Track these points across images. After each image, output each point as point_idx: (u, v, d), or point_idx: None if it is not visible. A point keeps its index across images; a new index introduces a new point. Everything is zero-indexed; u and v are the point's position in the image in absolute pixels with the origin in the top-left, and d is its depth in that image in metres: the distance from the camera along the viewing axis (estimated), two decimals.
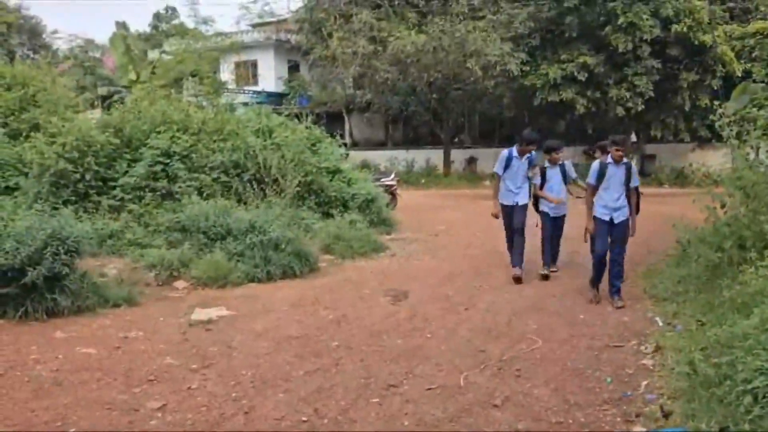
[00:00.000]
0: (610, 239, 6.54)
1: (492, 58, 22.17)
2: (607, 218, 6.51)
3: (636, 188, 6.73)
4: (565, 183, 8.04)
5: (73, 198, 9.15)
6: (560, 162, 7.99)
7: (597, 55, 23.03)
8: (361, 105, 28.31)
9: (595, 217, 6.62)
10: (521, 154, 7.74)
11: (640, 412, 3.88)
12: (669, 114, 24.33)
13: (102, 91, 20.46)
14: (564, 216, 8.12)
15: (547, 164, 7.96)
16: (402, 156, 29.02)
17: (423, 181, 26.31)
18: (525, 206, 7.79)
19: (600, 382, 4.42)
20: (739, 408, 2.80)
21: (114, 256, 8.12)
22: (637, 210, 6.89)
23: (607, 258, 6.52)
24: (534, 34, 23.94)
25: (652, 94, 22.70)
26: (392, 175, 16.14)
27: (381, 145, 31.48)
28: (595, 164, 6.69)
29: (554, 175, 7.96)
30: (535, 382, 4.44)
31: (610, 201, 6.49)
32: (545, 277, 7.71)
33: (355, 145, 30.15)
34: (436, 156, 28.14)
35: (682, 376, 4.04)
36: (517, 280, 7.51)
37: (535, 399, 4.14)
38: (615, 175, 6.48)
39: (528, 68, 23.57)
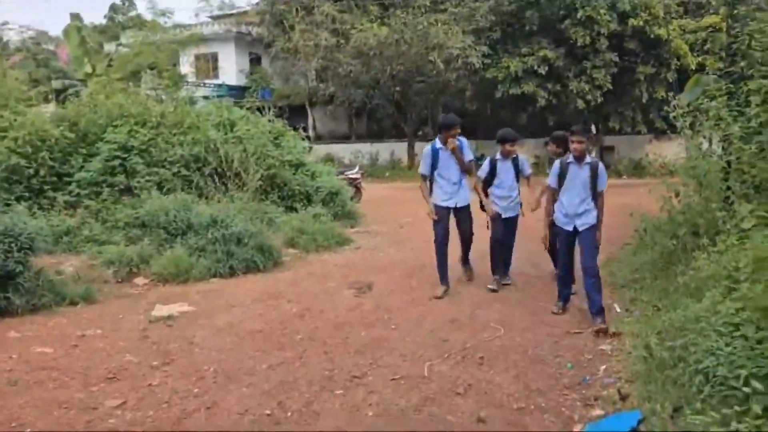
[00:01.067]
0: (579, 249, 5.70)
1: (454, 50, 22.32)
2: (569, 227, 5.67)
3: (601, 193, 5.74)
4: (518, 179, 6.94)
5: (27, 194, 8.89)
6: (514, 155, 6.89)
7: (557, 49, 23.40)
8: (324, 98, 28.16)
9: (556, 227, 5.88)
10: (445, 143, 6.57)
11: (599, 395, 3.97)
12: (627, 106, 24.90)
13: (56, 84, 19.85)
14: (517, 217, 6.95)
15: (498, 156, 6.84)
16: (366, 149, 29.00)
17: (387, 174, 26.36)
18: (466, 208, 6.73)
19: (560, 368, 4.50)
20: (692, 388, 2.89)
21: (71, 253, 7.91)
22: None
23: (582, 269, 5.62)
24: (495, 28, 24.17)
25: (610, 86, 23.20)
26: (356, 169, 16.13)
27: (345, 138, 31.40)
28: (556, 163, 5.89)
29: (505, 169, 6.83)
30: (497, 369, 4.50)
31: (570, 207, 5.64)
32: (494, 292, 6.66)
33: (318, 138, 29.98)
34: (400, 149, 28.20)
35: (638, 360, 4.15)
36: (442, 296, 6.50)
37: (497, 386, 4.20)
38: (577, 176, 5.62)
39: (490, 61, 23.80)
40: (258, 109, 12.94)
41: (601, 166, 5.69)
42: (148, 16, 29.10)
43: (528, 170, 7.02)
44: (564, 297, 5.96)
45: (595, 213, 5.65)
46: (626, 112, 24.97)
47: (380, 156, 28.71)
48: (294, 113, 27.93)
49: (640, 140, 26.30)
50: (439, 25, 22.49)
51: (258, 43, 30.78)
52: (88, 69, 18.91)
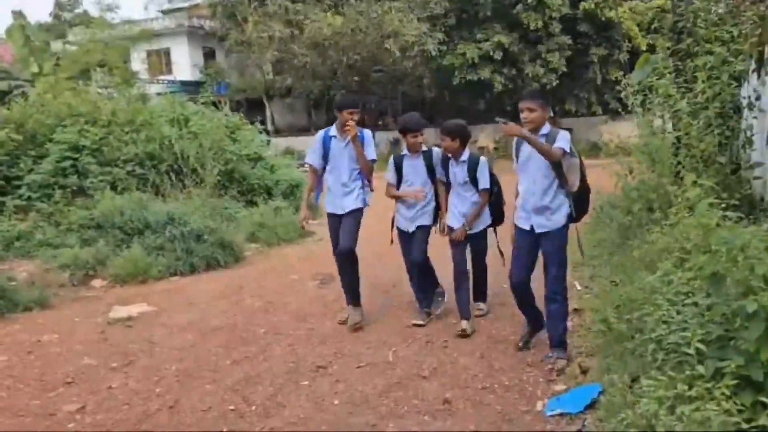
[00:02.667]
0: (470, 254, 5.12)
1: (410, 38, 22.33)
2: (456, 225, 5.00)
3: (487, 191, 4.92)
4: (432, 181, 5.17)
5: None
6: (424, 149, 5.16)
7: (511, 34, 23.61)
8: (281, 91, 27.90)
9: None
10: (343, 129, 5.08)
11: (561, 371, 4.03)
12: (582, 88, 25.30)
13: (1, 85, 19.18)
14: (428, 229, 5.27)
15: (405, 152, 5.21)
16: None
17: None
18: (351, 214, 5.17)
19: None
20: (648, 358, 2.95)
21: (23, 258, 7.66)
22: (500, 218, 5.16)
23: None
24: (450, 14, 24.26)
25: (565, 69, 23.54)
26: None
27: (304, 130, 31.14)
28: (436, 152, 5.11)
29: (414, 168, 5.15)
30: (461, 352, 4.53)
31: (460, 206, 4.98)
32: (418, 325, 5.16)
33: (277, 131, 29.69)
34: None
35: (597, 334, 4.22)
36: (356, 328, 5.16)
37: (462, 368, 4.23)
38: (455, 173, 4.94)
39: (446, 48, 23.89)
40: (213, 103, 12.73)
41: (483, 161, 4.91)
42: (95, 13, 28.35)
43: (441, 173, 5.12)
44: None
45: (485, 218, 5.04)
46: (581, 94, 25.38)
47: None
48: (251, 107, 27.60)
49: (595, 121, 26.76)
50: (394, 12, 22.45)
51: (211, 37, 30.27)
52: (35, 68, 18.31)
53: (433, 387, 3.95)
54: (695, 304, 2.94)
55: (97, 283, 7.10)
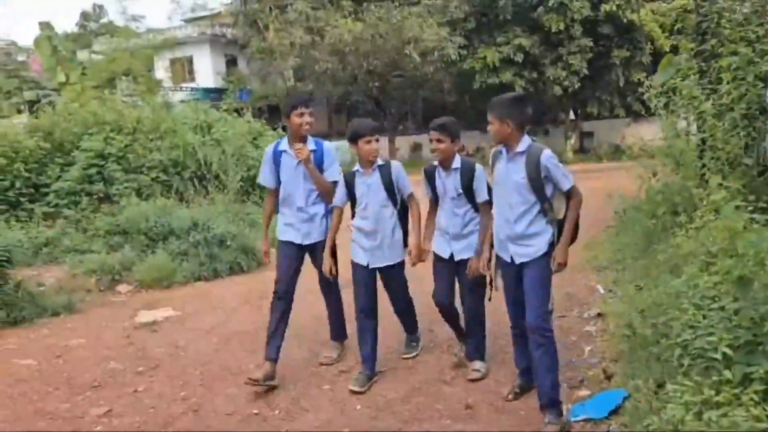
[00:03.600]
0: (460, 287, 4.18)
1: (430, 43, 22.35)
2: (444, 254, 4.12)
3: (488, 203, 3.89)
4: (394, 201, 4.13)
5: (4, 207, 8.80)
6: (379, 162, 4.16)
7: (532, 37, 23.50)
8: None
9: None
10: (296, 139, 4.26)
11: (585, 376, 4.00)
12: (604, 91, 25.07)
13: (29, 95, 19.58)
14: (398, 268, 4.24)
15: (357, 168, 4.19)
16: (346, 146, 28.77)
17: None
18: (318, 247, 4.32)
19: None
20: (673, 363, 2.91)
21: (52, 264, 7.83)
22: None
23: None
24: (469, 18, 24.22)
25: (586, 72, 23.35)
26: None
27: (325, 135, 31.23)
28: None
29: (369, 188, 4.11)
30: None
31: (449, 225, 4.08)
32: (356, 393, 4.03)
33: None
34: (380, 144, 28.16)
35: (622, 339, 4.18)
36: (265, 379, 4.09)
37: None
38: (443, 184, 4.06)
39: (466, 52, 23.85)
40: (236, 110, 12.89)
41: (478, 169, 4.02)
42: (120, 22, 28.86)
43: (407, 186, 4.16)
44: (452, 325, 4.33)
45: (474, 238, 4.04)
46: (603, 96, 25.15)
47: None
48: (273, 113, 27.77)
49: (618, 124, 26.49)
50: (414, 18, 22.49)
51: (233, 45, 30.59)
52: (62, 78, 18.67)
53: (456, 392, 3.94)
54: (722, 308, 2.90)
55: (122, 288, 7.21)
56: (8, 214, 8.65)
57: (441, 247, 4.15)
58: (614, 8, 22.50)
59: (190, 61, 31.45)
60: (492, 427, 3.45)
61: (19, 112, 16.58)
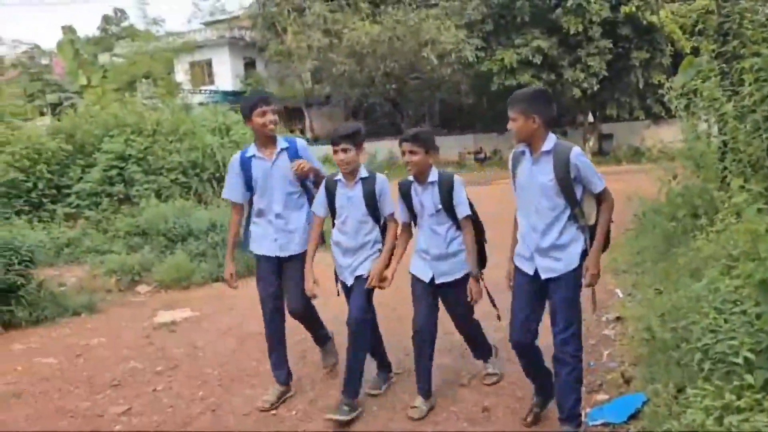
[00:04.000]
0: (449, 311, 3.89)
1: (447, 45, 22.33)
2: (424, 277, 3.73)
3: (470, 218, 3.64)
4: (375, 218, 3.77)
5: (27, 208, 8.96)
6: (363, 174, 3.77)
7: (550, 38, 23.38)
8: (320, 99, 28.21)
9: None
10: (262, 142, 3.88)
11: (603, 380, 3.97)
12: (623, 93, 24.85)
13: (52, 98, 19.88)
14: (367, 287, 3.72)
15: (339, 177, 3.78)
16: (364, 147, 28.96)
17: (386, 172, 26.32)
18: (296, 260, 3.91)
19: None
20: (694, 367, 2.88)
21: (73, 264, 7.95)
22: (482, 258, 3.81)
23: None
24: (487, 20, 24.16)
25: (605, 73, 23.17)
26: None
27: None
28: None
29: (349, 200, 3.75)
30: (499, 359, 4.49)
31: (429, 245, 3.70)
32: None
33: (316, 139, 29.96)
34: (397, 147, 28.08)
35: (641, 342, 4.14)
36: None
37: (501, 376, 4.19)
38: (420, 201, 3.68)
39: (483, 54, 23.79)
40: None
41: (456, 181, 3.63)
42: (140, 26, 29.20)
43: (389, 202, 3.78)
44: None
45: (462, 258, 3.68)
46: (623, 98, 24.94)
47: (378, 154, 28.72)
48: (291, 115, 28.00)
49: (638, 126, 26.25)
50: (431, 20, 22.49)
51: (252, 48, 30.81)
52: (84, 81, 18.96)
53: (472, 395, 3.93)
54: (744, 312, 2.86)
55: (142, 288, 7.29)
56: (31, 215, 8.80)
57: (420, 269, 3.75)
58: (634, 10, 22.30)
59: (209, 64, 31.74)
60: (508, 430, 3.43)
61: (42, 114, 16.85)
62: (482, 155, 27.56)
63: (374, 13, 24.27)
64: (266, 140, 3.87)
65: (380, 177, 3.81)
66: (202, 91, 28.54)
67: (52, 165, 9.37)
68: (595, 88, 23.48)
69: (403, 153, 3.63)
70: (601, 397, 3.73)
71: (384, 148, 28.80)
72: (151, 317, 6.14)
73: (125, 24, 40.12)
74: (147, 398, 4.19)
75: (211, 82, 31.04)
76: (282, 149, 3.89)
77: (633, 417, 3.31)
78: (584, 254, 3.17)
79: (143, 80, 21.01)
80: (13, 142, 9.28)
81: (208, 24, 33.84)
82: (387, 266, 3.73)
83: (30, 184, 9.05)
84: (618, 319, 5.09)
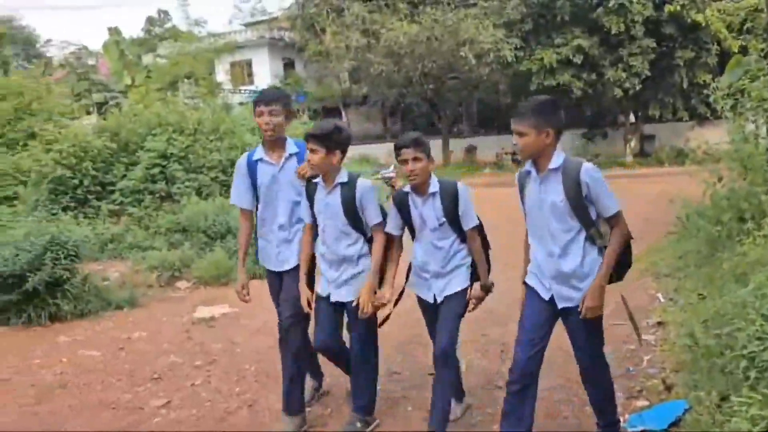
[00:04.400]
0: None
1: (485, 45, 22.15)
2: (427, 297, 3.39)
3: (476, 229, 3.32)
4: (359, 229, 3.39)
5: (73, 204, 9.22)
6: (342, 179, 3.38)
7: (591, 38, 22.97)
8: (357, 99, 28.31)
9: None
10: (266, 145, 3.59)
11: (643, 386, 3.89)
12: (667, 93, 24.25)
13: (97, 97, 20.47)
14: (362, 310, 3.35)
15: (319, 180, 3.41)
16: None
17: None
18: (295, 272, 3.54)
19: None
20: (739, 375, 2.80)
21: (116, 259, 8.17)
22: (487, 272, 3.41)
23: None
24: (526, 19, 23.87)
25: (648, 73, 22.67)
26: (391, 168, 16.17)
27: (380, 138, 31.46)
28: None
29: (327, 207, 3.38)
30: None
31: (429, 262, 3.34)
32: None
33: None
34: (434, 147, 27.72)
35: (683, 349, 4.04)
36: None
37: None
38: (420, 215, 3.29)
39: (522, 54, 23.52)
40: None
41: (462, 190, 3.26)
42: (183, 27, 29.79)
43: (373, 212, 3.36)
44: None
45: (460, 274, 3.32)
46: (666, 98, 24.32)
47: None
48: (328, 115, 28.14)
49: (681, 127, 25.58)
50: (470, 20, 22.36)
51: (291, 48, 31.12)
52: (128, 81, 19.47)
53: None
54: None
55: (182, 284, 7.44)
56: (76, 211, 9.06)
57: (422, 289, 3.41)
58: (678, 8, 21.75)
59: (249, 64, 32.19)
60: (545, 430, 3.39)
61: (88, 113, 17.35)
62: (508, 155, 27.26)
63: (412, 14, 24.24)
64: (272, 143, 3.54)
65: (362, 182, 3.35)
66: (242, 91, 28.96)
67: (97, 163, 9.62)
68: (637, 88, 22.98)
69: (404, 161, 3.17)
70: (641, 403, 3.65)
71: None
72: (191, 312, 6.26)
73: (168, 25, 40.93)
74: (186, 392, 4.27)
75: (251, 82, 31.47)
76: (291, 154, 3.55)
77: (674, 424, 3.23)
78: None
79: (185, 80, 21.48)
80: (60, 141, 9.57)
81: (248, 25, 34.32)
82: (376, 286, 3.33)
83: (76, 181, 9.31)
84: (659, 324, 4.98)
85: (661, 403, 3.54)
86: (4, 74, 15.16)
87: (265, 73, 31.75)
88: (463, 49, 22.26)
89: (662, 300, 5.70)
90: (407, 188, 3.30)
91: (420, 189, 3.25)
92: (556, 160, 2.83)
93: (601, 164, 24.29)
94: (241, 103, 19.48)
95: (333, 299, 3.44)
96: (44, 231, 6.21)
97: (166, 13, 43.11)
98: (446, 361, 3.26)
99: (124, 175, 9.64)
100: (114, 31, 21.50)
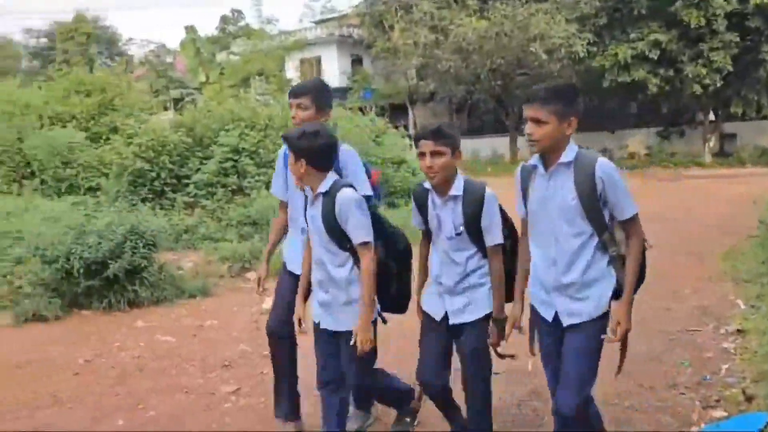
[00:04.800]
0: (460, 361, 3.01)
1: (557, 40, 21.69)
2: (437, 314, 2.97)
3: (499, 248, 2.82)
4: (346, 248, 2.87)
5: (150, 196, 9.64)
6: (324, 188, 2.83)
7: (669, 32, 22.07)
8: (424, 95, 28.25)
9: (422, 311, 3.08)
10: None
11: (721, 396, 3.72)
12: (750, 89, 23.01)
13: (174, 93, 21.27)
14: (348, 334, 2.95)
15: (306, 193, 3.02)
16: (467, 145, 28.75)
17: (489, 169, 25.97)
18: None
19: (675, 366, 4.26)
20: None
21: (189, 250, 8.47)
22: (509, 296, 2.87)
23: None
24: (601, 14, 23.21)
25: (730, 68, 21.56)
26: None
27: None
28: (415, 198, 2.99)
29: (311, 219, 2.96)
30: (604, 367, 4.32)
31: (442, 274, 2.92)
32: None
33: None
34: (501, 144, 27.71)
35: (765, 358, 3.85)
36: None
37: (606, 383, 4.00)
38: (437, 217, 2.86)
39: (595, 49, 22.88)
40: (360, 108, 13.23)
41: (488, 195, 2.80)
42: (255, 25, 30.57)
43: (359, 234, 2.78)
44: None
45: (480, 297, 2.88)
46: (750, 95, 23.08)
47: (481, 151, 28.39)
48: (395, 112, 28.24)
49: (766, 125, 24.25)
50: (541, 14, 21.92)
51: (359, 45, 31.40)
52: (203, 78, 20.11)
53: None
54: None
55: (251, 275, 7.63)
56: (154, 203, 9.47)
57: (432, 304, 2.98)
58: (765, 0, 20.58)
59: (318, 61, 32.69)
60: None
61: (165, 109, 18.04)
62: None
63: (482, 9, 23.98)
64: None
65: (343, 194, 2.75)
66: None
67: (173, 156, 10.01)
68: (718, 85, 21.90)
69: (422, 155, 2.74)
70: (719, 413, 3.50)
71: (487, 146, 28.46)
72: (260, 303, 6.40)
73: (242, 24, 42.10)
74: (255, 380, 4.40)
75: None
76: None
77: None
78: (616, 294, 2.54)
79: (257, 77, 22.01)
80: (140, 135, 10.02)
81: (318, 22, 34.88)
82: (371, 320, 2.87)
83: (154, 174, 9.73)
84: (739, 332, 4.75)
85: (740, 414, 3.38)
86: (90, 71, 15.98)
87: (334, 70, 32.15)
88: (534, 44, 21.87)
89: (743, 306, 5.43)
90: (428, 183, 2.86)
91: (441, 188, 2.80)
92: (569, 153, 2.47)
93: (678, 163, 23.33)
94: None
95: (323, 326, 3.10)
96: (124, 221, 6.50)
97: (239, 12, 44.35)
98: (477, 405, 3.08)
99: (198, 169, 9.98)
100: (190, 30, 22.24)
